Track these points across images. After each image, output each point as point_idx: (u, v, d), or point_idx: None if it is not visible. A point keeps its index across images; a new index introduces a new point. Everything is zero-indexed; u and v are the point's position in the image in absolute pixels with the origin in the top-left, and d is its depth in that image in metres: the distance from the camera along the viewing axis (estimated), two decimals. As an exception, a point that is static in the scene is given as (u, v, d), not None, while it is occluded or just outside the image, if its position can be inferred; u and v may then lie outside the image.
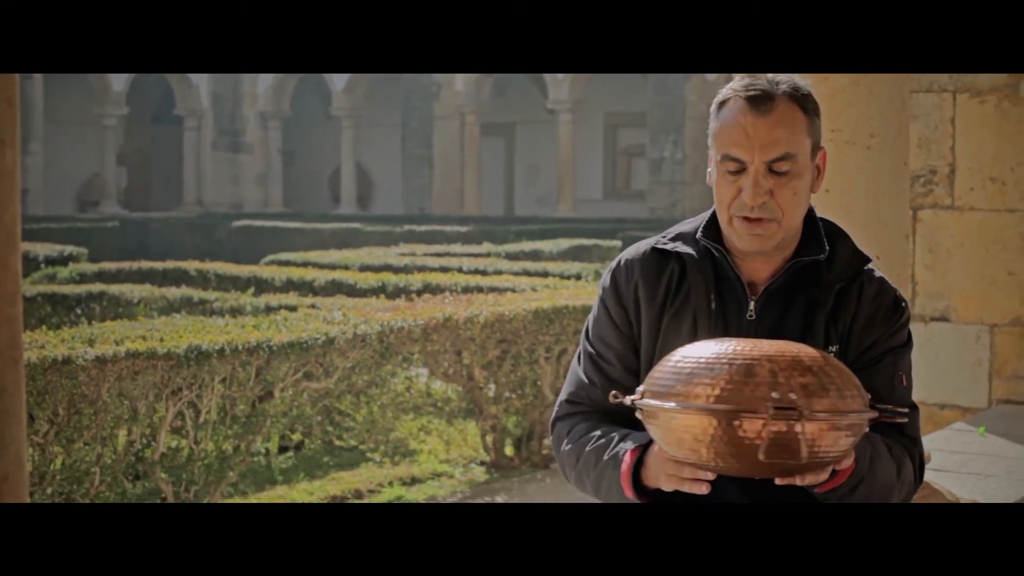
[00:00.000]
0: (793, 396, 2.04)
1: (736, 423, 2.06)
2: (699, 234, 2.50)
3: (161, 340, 6.44)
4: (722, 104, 2.43)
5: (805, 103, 2.42)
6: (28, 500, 1.65)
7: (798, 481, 2.20)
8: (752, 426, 2.05)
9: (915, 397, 2.58)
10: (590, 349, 2.58)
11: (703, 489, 2.26)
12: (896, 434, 2.47)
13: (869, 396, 2.23)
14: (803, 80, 2.44)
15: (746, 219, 2.40)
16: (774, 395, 2.04)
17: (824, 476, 2.22)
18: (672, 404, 2.13)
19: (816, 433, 2.06)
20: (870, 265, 2.53)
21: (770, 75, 2.43)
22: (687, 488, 2.28)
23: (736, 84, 2.42)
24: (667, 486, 2.32)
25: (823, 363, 2.13)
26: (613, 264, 2.59)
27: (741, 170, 2.39)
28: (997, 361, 6.28)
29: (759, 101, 2.38)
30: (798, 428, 2.04)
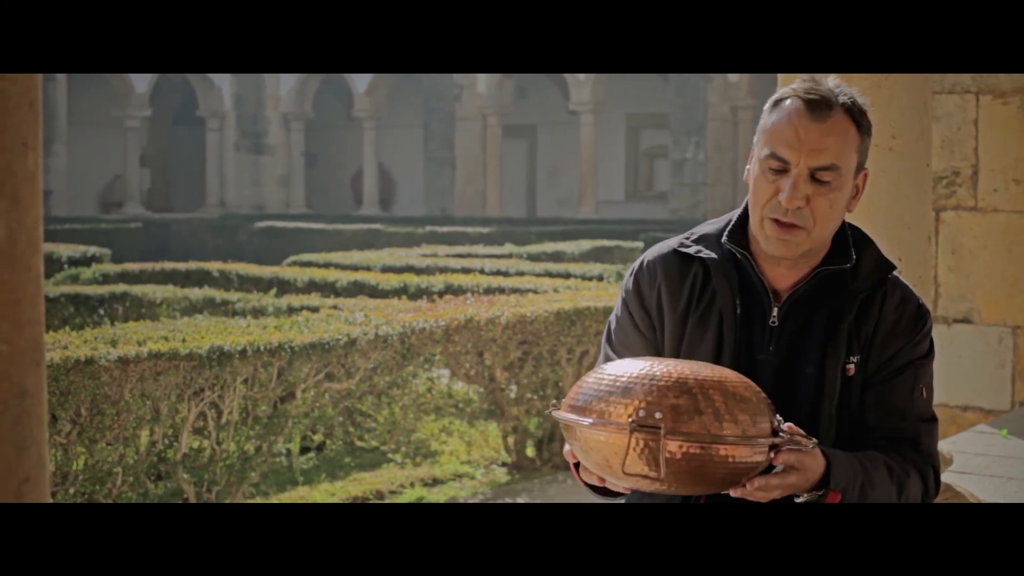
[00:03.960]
0: (659, 415, 2.15)
1: (603, 438, 2.19)
2: (724, 237, 2.46)
3: (183, 341, 6.47)
4: (778, 102, 2.40)
5: (861, 120, 2.39)
6: (50, 501, 1.66)
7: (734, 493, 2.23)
8: (618, 440, 2.17)
9: (937, 399, 2.54)
10: (611, 354, 2.53)
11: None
12: (909, 448, 2.42)
13: (780, 420, 2.24)
14: (863, 97, 2.41)
15: (777, 222, 2.36)
16: (641, 413, 2.16)
17: (765, 492, 2.21)
18: (573, 418, 2.24)
19: (700, 450, 2.16)
20: (895, 273, 2.48)
21: (832, 81, 2.39)
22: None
23: (797, 85, 2.38)
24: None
25: (710, 386, 2.20)
26: (636, 265, 2.54)
27: (784, 171, 2.36)
28: (1020, 363, 6.26)
29: (817, 106, 2.34)
30: (656, 444, 2.15)
